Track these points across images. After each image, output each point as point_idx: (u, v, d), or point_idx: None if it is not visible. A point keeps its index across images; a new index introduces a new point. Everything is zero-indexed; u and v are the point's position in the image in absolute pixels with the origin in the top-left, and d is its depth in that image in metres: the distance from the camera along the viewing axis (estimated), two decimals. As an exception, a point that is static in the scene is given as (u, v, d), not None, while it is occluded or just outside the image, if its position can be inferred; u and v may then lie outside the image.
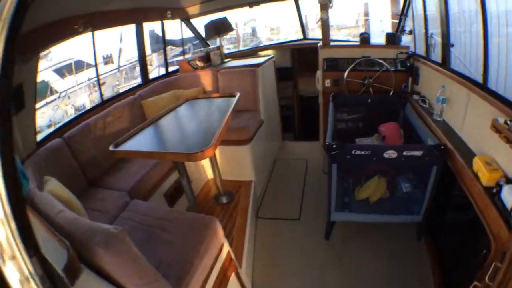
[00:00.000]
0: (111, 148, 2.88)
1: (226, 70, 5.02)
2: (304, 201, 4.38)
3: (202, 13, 5.76)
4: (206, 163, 4.44)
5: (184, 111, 3.81)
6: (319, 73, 4.91)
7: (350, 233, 3.69)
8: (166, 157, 2.99)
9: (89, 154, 3.60)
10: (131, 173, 3.56)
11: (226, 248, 2.72)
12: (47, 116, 12.24)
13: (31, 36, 3.00)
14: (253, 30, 15.38)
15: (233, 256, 2.83)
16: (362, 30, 12.27)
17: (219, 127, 2.89)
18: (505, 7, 2.92)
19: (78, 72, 12.87)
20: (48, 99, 12.39)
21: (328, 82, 4.85)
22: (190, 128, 3.31)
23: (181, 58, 5.91)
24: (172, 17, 5.16)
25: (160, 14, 5.02)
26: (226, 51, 6.22)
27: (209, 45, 6.20)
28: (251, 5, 5.94)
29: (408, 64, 4.44)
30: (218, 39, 5.66)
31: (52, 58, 13.27)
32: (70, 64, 12.92)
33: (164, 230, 2.57)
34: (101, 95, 4.48)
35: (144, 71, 5.06)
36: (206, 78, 5.03)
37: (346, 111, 4.60)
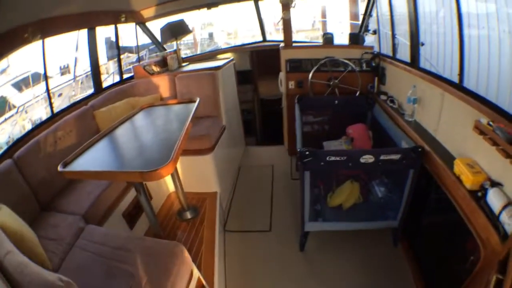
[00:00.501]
0: (59, 168, 2.52)
1: (184, 74, 4.72)
2: (273, 210, 4.18)
3: (157, 16, 5.45)
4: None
5: (140, 121, 3.49)
6: (282, 75, 4.77)
7: (324, 242, 3.52)
8: (119, 177, 2.63)
9: (40, 175, 3.20)
10: (85, 194, 3.21)
11: (196, 274, 2.49)
12: (6, 132, 11.71)
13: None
14: (210, 35, 15.23)
15: (204, 282, 2.61)
16: (320, 32, 12.33)
17: (179, 137, 2.60)
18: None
19: (35, 85, 12.47)
20: (7, 115, 11.89)
21: (291, 84, 4.71)
22: (146, 140, 2.98)
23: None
24: (126, 21, 4.85)
25: (113, 18, 4.70)
26: (183, 56, 5.97)
27: (165, 49, 5.89)
28: (209, 6, 5.69)
29: (373, 64, 4.37)
30: (175, 43, 5.37)
31: (11, 72, 12.80)
32: (28, 77, 12.56)
33: (124, 262, 2.28)
34: (52, 107, 4.07)
35: (96, 79, 4.70)
36: (163, 84, 4.72)
37: (312, 114, 4.46)
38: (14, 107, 12.07)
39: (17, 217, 2.39)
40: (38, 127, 3.74)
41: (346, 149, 3.89)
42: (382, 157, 2.70)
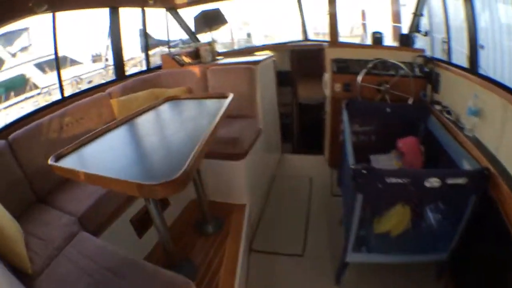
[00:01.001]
0: (50, 161, 2.08)
1: (218, 67, 4.20)
2: (309, 231, 3.60)
3: (191, 3, 5.01)
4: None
5: (161, 114, 3.05)
6: (327, 76, 4.22)
7: (363, 274, 2.99)
8: (112, 186, 1.93)
9: (38, 162, 2.84)
10: (87, 193, 2.76)
11: None
12: (26, 111, 11.61)
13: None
14: (248, 35, 14.81)
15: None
16: (359, 39, 11.79)
17: (201, 140, 2.05)
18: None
19: (62, 68, 12.35)
20: (28, 94, 11.90)
21: (338, 87, 4.14)
22: (163, 137, 2.52)
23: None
24: (155, 4, 4.43)
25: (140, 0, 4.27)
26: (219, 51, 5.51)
27: (199, 40, 5.41)
28: None
29: (426, 70, 3.84)
30: (210, 34, 4.92)
31: (33, 51, 12.78)
32: (54, 59, 12.49)
33: None
34: (62, 89, 3.67)
35: (119, 65, 4.30)
36: (193, 76, 4.23)
37: (358, 122, 3.86)
38: (37, 87, 12.01)
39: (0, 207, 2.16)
40: (43, 109, 3.41)
41: (408, 169, 3.32)
42: (449, 181, 2.17)
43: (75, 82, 12.68)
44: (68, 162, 2.12)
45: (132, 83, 4.12)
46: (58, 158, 2.14)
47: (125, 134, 2.63)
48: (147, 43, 4.89)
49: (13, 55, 12.70)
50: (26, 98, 11.86)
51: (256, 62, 4.05)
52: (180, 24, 5.28)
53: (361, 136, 3.94)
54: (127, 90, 3.97)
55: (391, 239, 2.72)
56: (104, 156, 2.23)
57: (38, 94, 12.35)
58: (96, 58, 13.77)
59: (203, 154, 2.00)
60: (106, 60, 14.40)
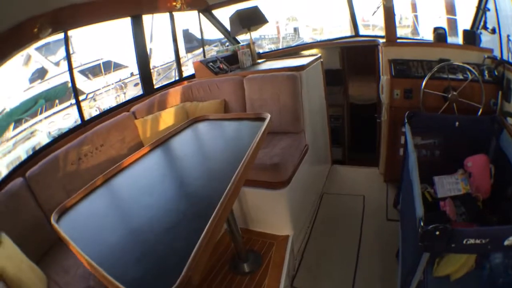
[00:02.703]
0: (52, 219, 1.78)
1: (255, 75, 3.68)
2: (359, 265, 3.06)
3: (224, 2, 4.57)
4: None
5: (186, 143, 2.65)
6: (384, 80, 3.58)
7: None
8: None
9: (57, 198, 2.55)
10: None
11: None
12: (72, 117, 12.02)
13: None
14: (295, 30, 14.32)
15: None
16: (409, 30, 11.02)
17: (227, 188, 1.60)
18: None
19: (107, 73, 12.61)
20: (73, 101, 12.18)
21: (397, 93, 3.51)
22: (183, 183, 2.12)
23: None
24: (184, 8, 4.02)
25: (165, 4, 3.90)
26: (262, 50, 5.03)
27: (238, 42, 4.96)
28: None
29: (496, 74, 3.17)
30: (248, 35, 4.34)
31: (77, 59, 13.11)
32: (99, 65, 12.82)
33: None
34: (81, 114, 3.37)
35: (145, 79, 3.98)
36: (228, 86, 3.77)
37: (421, 134, 3.23)
38: (83, 93, 12.27)
39: (19, 252, 2.15)
40: (62, 138, 3.16)
41: (488, 229, 2.70)
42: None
43: (119, 87, 12.83)
44: (67, 221, 1.82)
45: (160, 98, 3.78)
46: (61, 214, 1.86)
47: (130, 180, 2.24)
48: (177, 49, 4.51)
49: (56, 64, 13.04)
50: (71, 105, 12.16)
51: (301, 67, 3.48)
52: (216, 26, 4.87)
53: (423, 151, 3.32)
54: (154, 107, 3.64)
55: (450, 282, 2.21)
56: (111, 210, 1.95)
57: (84, 99, 12.65)
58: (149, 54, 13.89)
59: (226, 209, 1.58)
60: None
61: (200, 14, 4.55)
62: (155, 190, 2.00)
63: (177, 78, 4.60)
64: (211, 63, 4.05)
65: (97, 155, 3.06)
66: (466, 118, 3.07)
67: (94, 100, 12.67)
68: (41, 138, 10.81)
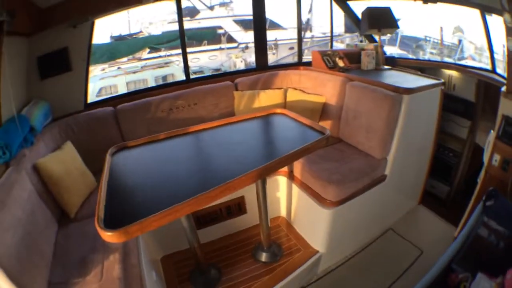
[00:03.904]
0: (110, 151, 2.32)
1: (360, 83, 3.35)
2: None
3: None
4: (282, 194, 3.31)
5: (252, 129, 2.76)
6: (490, 137, 2.81)
7: None
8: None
9: (136, 134, 3.11)
10: None
11: None
12: (218, 60, 12.87)
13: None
14: (460, 42, 12.97)
15: None
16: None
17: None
18: None
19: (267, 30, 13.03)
20: (223, 45, 12.95)
21: (496, 159, 2.72)
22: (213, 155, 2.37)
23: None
24: None
25: None
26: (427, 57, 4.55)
27: (374, 41, 4.45)
28: (425, 0, 4.10)
29: None
30: (377, 36, 4.03)
31: (234, 8, 13.93)
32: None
33: None
34: (187, 70, 3.65)
35: (260, 54, 4.06)
36: (333, 85, 3.57)
37: (496, 220, 2.64)
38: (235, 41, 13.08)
39: (78, 163, 2.71)
40: (165, 87, 3.54)
41: None
42: None
43: (269, 46, 13.18)
44: (125, 155, 2.32)
45: (267, 77, 3.84)
46: (122, 148, 2.38)
47: (199, 140, 2.54)
48: (300, 32, 4.47)
49: (211, 8, 13.78)
50: (221, 48, 12.93)
51: (407, 90, 3.00)
52: (349, 17, 4.56)
53: (492, 235, 2.76)
54: (258, 84, 3.73)
55: None
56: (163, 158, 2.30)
57: (235, 47, 13.32)
58: (305, 26, 13.93)
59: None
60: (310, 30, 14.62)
61: (333, 1, 4.36)
62: (196, 161, 2.31)
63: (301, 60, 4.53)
64: (327, 57, 3.88)
65: (188, 110, 3.33)
66: None
67: (243, 51, 13.21)
68: (175, 70, 11.39)
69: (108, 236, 1.44)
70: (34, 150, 2.45)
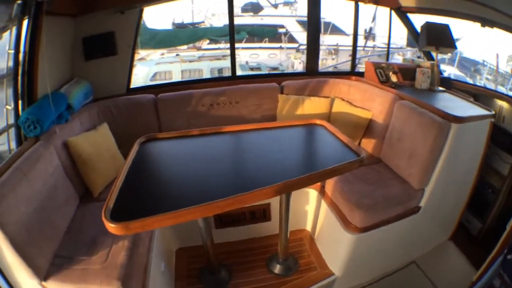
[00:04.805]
0: (139, 140, 2.41)
1: (408, 103, 3.08)
2: None
3: (419, 9, 3.95)
4: (310, 208, 3.16)
5: (287, 138, 2.66)
6: None
7: None
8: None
9: (173, 125, 3.22)
10: None
11: None
12: (276, 59, 12.89)
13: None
14: (512, 72, 12.16)
15: None
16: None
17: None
18: None
19: (324, 34, 12.85)
20: (284, 45, 12.94)
21: None
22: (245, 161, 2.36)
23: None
24: (376, 1, 3.80)
25: None
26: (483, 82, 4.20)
27: (432, 58, 4.06)
28: (484, 23, 3.73)
29: None
30: (435, 54, 3.71)
31: (298, 8, 14.15)
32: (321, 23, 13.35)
33: None
34: (233, 68, 3.64)
35: (311, 58, 3.94)
36: (381, 101, 3.32)
37: None
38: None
39: (111, 145, 2.81)
40: (210, 81, 3.67)
41: None
42: None
43: (328, 51, 12.99)
44: (153, 146, 2.37)
45: (316, 83, 3.70)
46: (152, 139, 2.44)
47: (232, 142, 2.54)
48: (356, 39, 4.28)
49: (275, 6, 13.73)
50: (281, 47, 12.91)
51: (458, 118, 2.69)
52: (408, 30, 4.28)
53: None
54: (305, 89, 3.61)
55: None
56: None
57: (295, 48, 13.25)
58: (367, 35, 13.61)
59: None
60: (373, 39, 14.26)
61: (392, 11, 4.10)
62: (224, 163, 2.27)
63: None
64: (381, 69, 3.62)
65: (229, 108, 3.31)
66: None
67: (302, 53, 13.12)
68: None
69: (110, 227, 1.46)
70: (67, 128, 2.52)
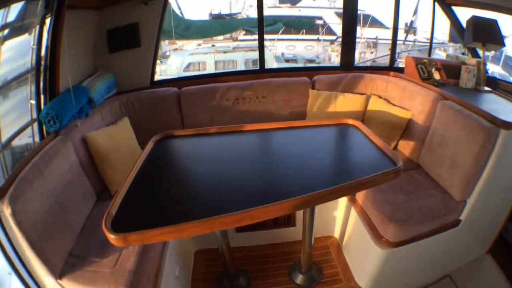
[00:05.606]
0: (154, 138, 2.30)
1: (452, 105, 2.74)
2: None
3: (466, 2, 3.66)
4: (339, 214, 2.97)
5: (318, 139, 2.45)
6: None
7: None
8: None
9: (196, 120, 3.20)
10: None
11: None
12: (314, 51, 12.67)
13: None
14: None
15: None
16: None
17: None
18: None
19: (362, 27, 12.52)
20: (321, 37, 12.79)
21: None
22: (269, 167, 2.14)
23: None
24: None
25: None
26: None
27: (477, 55, 3.71)
28: None
29: None
30: (481, 51, 3.41)
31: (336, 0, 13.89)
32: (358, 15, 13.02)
33: None
34: (262, 62, 3.50)
35: (347, 52, 3.75)
36: (422, 100, 3.04)
37: None
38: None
39: (131, 139, 2.78)
40: (237, 74, 3.60)
41: None
42: None
43: (367, 44, 12.63)
44: (168, 144, 2.30)
45: (351, 78, 3.48)
46: (168, 136, 2.34)
47: (254, 142, 2.41)
48: (396, 33, 4.02)
49: None
50: (318, 39, 12.64)
51: (508, 124, 2.35)
52: (453, 24, 3.95)
53: None
54: (338, 85, 3.42)
55: None
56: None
57: (333, 40, 12.99)
58: (407, 29, 13.19)
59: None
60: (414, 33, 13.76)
61: (436, 4, 3.80)
62: (243, 167, 2.08)
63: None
64: (422, 65, 3.35)
65: (255, 103, 3.18)
66: None
67: (340, 45, 12.90)
68: (266, 55, 11.55)
69: (110, 237, 1.36)
70: (87, 122, 2.48)
